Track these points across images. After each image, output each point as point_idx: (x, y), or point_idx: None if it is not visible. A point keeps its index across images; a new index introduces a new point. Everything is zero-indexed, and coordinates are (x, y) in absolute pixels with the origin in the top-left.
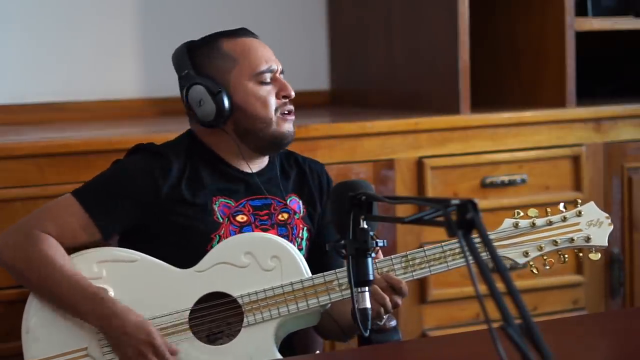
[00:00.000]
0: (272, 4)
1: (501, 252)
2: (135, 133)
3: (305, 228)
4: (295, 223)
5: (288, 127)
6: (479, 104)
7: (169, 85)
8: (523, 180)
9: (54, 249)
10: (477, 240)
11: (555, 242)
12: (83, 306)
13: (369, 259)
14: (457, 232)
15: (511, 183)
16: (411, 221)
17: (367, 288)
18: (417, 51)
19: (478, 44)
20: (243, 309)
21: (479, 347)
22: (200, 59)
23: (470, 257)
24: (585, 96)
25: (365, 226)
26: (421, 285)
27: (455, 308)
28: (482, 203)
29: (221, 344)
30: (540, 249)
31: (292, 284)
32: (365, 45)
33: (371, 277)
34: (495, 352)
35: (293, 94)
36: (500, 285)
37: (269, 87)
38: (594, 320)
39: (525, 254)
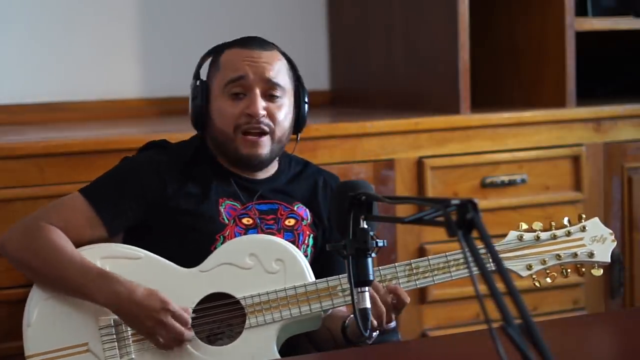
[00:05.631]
0: (272, 4)
1: (504, 264)
2: (135, 133)
3: (311, 235)
4: (302, 229)
5: (249, 149)
6: (479, 104)
7: (169, 85)
8: (523, 180)
9: (59, 236)
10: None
11: (558, 257)
12: (89, 287)
13: (369, 259)
14: (457, 232)
15: (511, 183)
16: (411, 221)
17: (367, 288)
18: (417, 51)
19: (478, 44)
20: (246, 311)
21: (479, 347)
22: (207, 65)
23: (470, 257)
24: (585, 96)
25: (365, 226)
26: None
27: (455, 308)
28: (482, 203)
29: (221, 345)
30: (544, 262)
31: (295, 287)
32: (365, 45)
33: (371, 277)
34: (495, 352)
35: (260, 112)
36: (500, 285)
37: (236, 102)
38: (594, 320)
39: (529, 267)
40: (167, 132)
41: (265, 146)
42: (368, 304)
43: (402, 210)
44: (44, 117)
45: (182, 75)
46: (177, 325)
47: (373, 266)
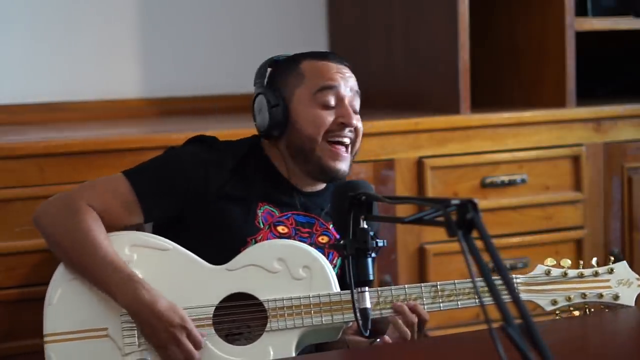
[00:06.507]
0: (272, 4)
1: (530, 297)
2: (135, 133)
3: (341, 257)
4: None
5: (333, 162)
6: (479, 104)
7: (169, 85)
8: (523, 180)
9: (95, 223)
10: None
11: (584, 295)
12: (115, 285)
13: (369, 259)
14: (457, 232)
15: (511, 183)
16: (411, 221)
17: (367, 288)
18: (417, 51)
19: (478, 44)
20: (268, 314)
21: (479, 347)
22: (277, 73)
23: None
24: (585, 96)
25: (365, 226)
26: None
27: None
28: (482, 203)
29: (239, 345)
30: (569, 299)
31: (319, 296)
32: (365, 45)
33: (371, 277)
34: (495, 352)
35: (354, 122)
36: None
37: (328, 111)
38: (594, 320)
39: (554, 302)
40: (167, 132)
41: (346, 161)
42: (368, 304)
43: (402, 210)
44: (44, 117)
45: (182, 75)
46: (190, 346)
47: (373, 266)
